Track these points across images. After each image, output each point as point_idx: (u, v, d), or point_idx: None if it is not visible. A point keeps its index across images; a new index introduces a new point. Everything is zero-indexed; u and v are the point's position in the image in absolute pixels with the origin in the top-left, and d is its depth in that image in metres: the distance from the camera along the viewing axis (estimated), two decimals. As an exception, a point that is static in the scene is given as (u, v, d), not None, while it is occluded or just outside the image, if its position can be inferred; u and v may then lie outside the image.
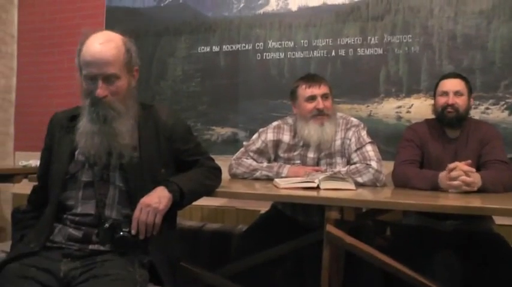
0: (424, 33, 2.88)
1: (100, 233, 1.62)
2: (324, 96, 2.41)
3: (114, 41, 1.67)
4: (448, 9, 2.85)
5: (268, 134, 2.53)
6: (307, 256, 2.38)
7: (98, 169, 1.68)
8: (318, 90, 2.40)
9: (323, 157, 2.45)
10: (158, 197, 1.64)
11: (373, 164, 2.31)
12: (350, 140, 2.42)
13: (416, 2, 2.91)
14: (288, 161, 2.47)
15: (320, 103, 2.39)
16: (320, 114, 2.39)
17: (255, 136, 2.56)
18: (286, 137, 2.50)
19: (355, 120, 2.49)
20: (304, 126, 2.42)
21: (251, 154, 2.52)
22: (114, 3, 3.59)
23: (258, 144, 2.52)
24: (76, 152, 1.71)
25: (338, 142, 2.43)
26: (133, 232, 1.60)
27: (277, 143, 2.50)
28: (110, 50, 1.64)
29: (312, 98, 2.40)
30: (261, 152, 2.52)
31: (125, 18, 3.53)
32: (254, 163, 2.47)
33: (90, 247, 1.62)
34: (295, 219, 2.45)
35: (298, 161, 2.46)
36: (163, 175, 1.74)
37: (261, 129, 2.58)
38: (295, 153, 2.47)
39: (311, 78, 2.46)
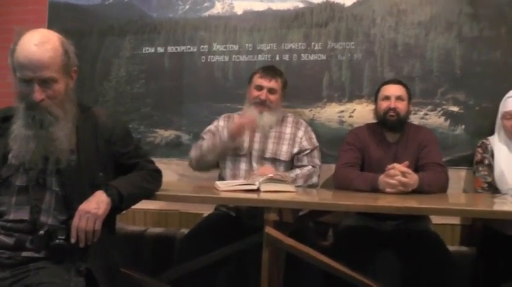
0: (367, 41, 2.96)
1: (34, 240, 1.56)
2: (271, 91, 2.56)
3: (51, 42, 1.59)
4: (389, 19, 2.94)
5: (219, 121, 2.67)
6: (250, 257, 2.39)
7: (34, 173, 1.61)
8: (267, 83, 2.56)
9: (269, 148, 2.56)
10: (97, 203, 1.59)
11: (318, 170, 2.55)
12: (301, 138, 2.59)
13: (359, 11, 2.98)
14: (235, 150, 2.54)
15: (264, 94, 2.55)
16: (261, 104, 2.55)
17: (208, 127, 2.68)
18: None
19: (304, 122, 2.69)
20: (247, 109, 2.61)
21: (204, 136, 2.62)
22: (57, -1, 3.45)
23: (211, 127, 2.66)
24: (9, 156, 1.63)
25: (288, 135, 2.59)
26: (72, 240, 1.55)
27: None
28: (46, 52, 1.55)
29: (260, 87, 2.57)
30: (213, 135, 2.58)
31: (69, 15, 3.40)
32: (202, 142, 2.57)
33: (23, 254, 1.56)
34: (240, 220, 2.45)
35: (244, 153, 2.55)
36: (102, 178, 1.69)
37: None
38: (243, 145, 2.55)
39: (267, 70, 2.62)
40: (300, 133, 2.60)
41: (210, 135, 2.58)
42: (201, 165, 2.56)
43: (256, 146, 2.56)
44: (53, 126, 1.60)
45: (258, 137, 2.57)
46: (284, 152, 2.55)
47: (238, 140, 2.46)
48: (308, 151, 2.57)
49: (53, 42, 1.59)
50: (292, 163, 2.58)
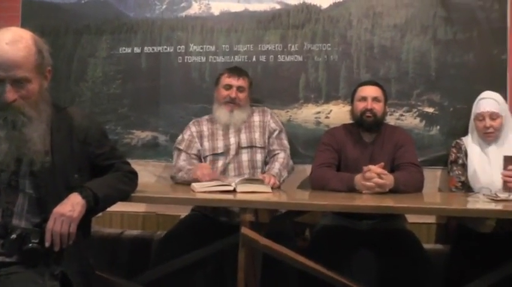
0: (343, 42, 2.98)
1: (6, 244, 1.53)
2: (240, 89, 2.66)
3: (24, 41, 1.55)
4: (365, 22, 2.98)
5: (191, 128, 2.72)
6: (227, 258, 2.39)
7: (6, 175, 1.58)
8: (236, 81, 2.66)
9: (243, 137, 2.64)
10: (72, 205, 1.57)
11: (288, 151, 2.66)
12: (269, 121, 2.71)
13: (336, 13, 3.00)
14: (213, 150, 2.62)
15: (233, 92, 2.64)
16: (231, 102, 2.64)
17: (180, 136, 2.72)
18: (204, 127, 2.71)
19: (269, 109, 2.81)
20: (217, 109, 2.69)
21: (182, 148, 2.65)
22: (31, -4, 3.38)
23: (186, 136, 2.69)
24: None
25: (257, 123, 2.70)
26: (47, 244, 1.52)
27: (200, 134, 2.69)
28: (18, 51, 1.52)
29: (229, 87, 2.65)
30: (189, 143, 2.66)
31: (44, 13, 3.33)
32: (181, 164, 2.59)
33: (-6, 259, 1.52)
34: (218, 221, 2.45)
35: (221, 151, 2.61)
36: (77, 180, 1.67)
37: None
38: (219, 144, 2.63)
39: (234, 70, 2.71)
40: (267, 118, 2.71)
41: (187, 148, 2.64)
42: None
43: (232, 140, 2.63)
44: (26, 127, 1.56)
45: (231, 133, 2.64)
46: (258, 139, 2.64)
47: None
48: (276, 133, 2.68)
49: (26, 41, 1.56)
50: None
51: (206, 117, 2.77)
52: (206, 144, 2.65)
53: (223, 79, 2.68)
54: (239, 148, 2.61)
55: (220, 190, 2.07)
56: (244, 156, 2.61)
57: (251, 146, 2.62)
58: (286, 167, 2.56)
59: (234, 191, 2.07)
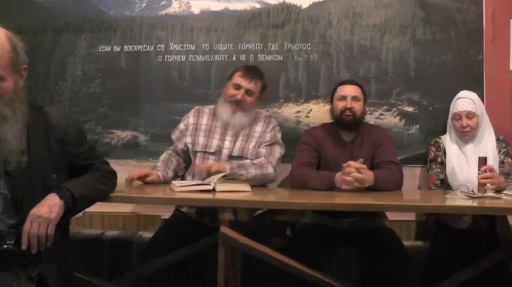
0: (323, 42, 3.00)
1: (-20, 246, 1.50)
2: (248, 92, 2.55)
3: None
4: (345, 21, 3.00)
5: (189, 119, 2.66)
6: (208, 258, 2.38)
7: (-20, 175, 1.55)
8: (246, 84, 2.55)
9: (237, 146, 2.55)
10: (49, 206, 1.55)
11: (274, 163, 2.49)
12: (267, 133, 2.58)
13: (316, 13, 3.02)
14: (205, 147, 2.55)
15: (240, 95, 2.53)
16: (236, 104, 2.54)
17: (179, 125, 2.69)
18: (204, 120, 2.64)
19: (274, 121, 2.70)
20: (221, 105, 2.60)
21: (173, 139, 2.65)
22: (8, -8, 3.32)
23: (181, 126, 2.66)
24: None
25: (257, 134, 2.58)
26: (24, 246, 1.50)
27: (196, 127, 2.62)
28: None
29: (238, 87, 2.55)
30: (181, 136, 2.63)
31: (21, 10, 3.27)
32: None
33: (-32, 261, 1.50)
34: (201, 222, 2.44)
35: (213, 151, 2.55)
36: (55, 180, 1.65)
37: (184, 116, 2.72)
38: (213, 143, 2.56)
39: (249, 71, 2.60)
40: (268, 129, 2.60)
41: (178, 140, 2.63)
42: None
43: (226, 144, 2.56)
44: (0, 126, 1.54)
45: (229, 135, 2.57)
46: (251, 150, 2.54)
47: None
48: (268, 143, 2.55)
49: (0, 38, 1.53)
50: None
51: (211, 107, 2.69)
52: (200, 139, 2.58)
53: (235, 77, 2.58)
54: (230, 155, 2.53)
55: (200, 189, 2.06)
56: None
57: (241, 156, 2.53)
58: (256, 166, 2.42)
59: (213, 190, 2.07)
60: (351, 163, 2.19)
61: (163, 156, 2.61)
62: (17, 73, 1.60)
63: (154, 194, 2.10)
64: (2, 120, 1.55)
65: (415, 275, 2.25)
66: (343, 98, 2.55)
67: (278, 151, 2.56)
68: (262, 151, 2.53)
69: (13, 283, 1.47)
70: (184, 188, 2.08)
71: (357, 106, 2.54)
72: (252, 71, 2.61)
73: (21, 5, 3.28)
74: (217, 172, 2.23)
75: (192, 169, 2.55)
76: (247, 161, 2.47)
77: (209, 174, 2.27)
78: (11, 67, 1.56)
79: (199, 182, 2.14)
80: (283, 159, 2.60)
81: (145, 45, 3.14)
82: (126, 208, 3.02)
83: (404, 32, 2.94)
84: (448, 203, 2.11)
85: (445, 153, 2.62)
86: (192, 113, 2.68)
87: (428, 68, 2.92)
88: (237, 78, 2.56)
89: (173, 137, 2.66)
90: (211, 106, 2.70)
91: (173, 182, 2.21)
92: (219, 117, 2.59)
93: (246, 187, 2.14)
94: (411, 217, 2.88)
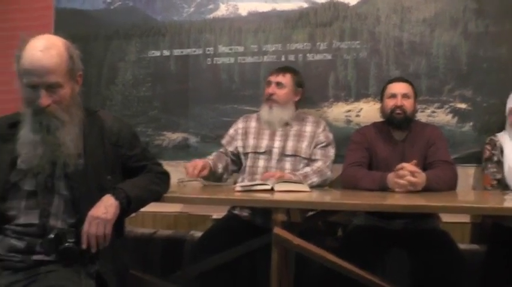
0: (372, 39, 2.95)
1: (44, 243, 1.57)
2: (278, 84, 2.62)
3: (56, 47, 1.60)
4: (394, 17, 2.94)
5: (238, 124, 2.75)
6: (260, 259, 2.39)
7: (42, 177, 1.62)
8: (275, 78, 2.64)
9: (290, 145, 2.58)
10: (105, 207, 1.60)
11: (330, 165, 2.56)
12: (320, 134, 2.61)
13: (364, 10, 2.98)
14: (255, 148, 2.61)
15: (271, 88, 2.62)
16: (269, 99, 2.62)
17: (228, 131, 2.78)
18: (253, 124, 2.71)
19: (324, 121, 2.74)
20: (262, 108, 2.68)
21: (223, 143, 2.74)
22: (62, 5, 3.46)
23: (230, 132, 2.75)
24: (18, 161, 1.63)
25: (308, 134, 2.61)
26: (83, 246, 1.56)
27: (246, 130, 2.69)
28: (51, 57, 1.56)
29: (269, 83, 2.65)
30: (231, 140, 2.72)
31: (74, 20, 3.42)
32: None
33: (34, 257, 1.56)
34: (253, 222, 2.45)
35: (263, 152, 2.59)
36: (110, 181, 1.70)
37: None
38: (263, 144, 2.61)
39: (279, 68, 2.71)
40: (319, 130, 2.62)
41: (227, 144, 2.71)
42: None
43: (276, 144, 2.59)
44: (59, 130, 1.61)
45: (278, 135, 2.61)
46: (304, 149, 2.57)
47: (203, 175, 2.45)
48: (323, 145, 2.59)
49: (58, 48, 1.60)
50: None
51: (257, 111, 2.76)
52: (251, 141, 2.65)
53: (267, 77, 2.70)
54: (283, 154, 2.57)
55: (259, 189, 2.09)
56: (287, 164, 2.56)
57: (295, 155, 2.56)
58: (317, 174, 2.47)
59: (272, 190, 2.09)
60: (405, 165, 2.13)
61: (214, 153, 2.68)
62: (73, 80, 1.66)
63: (207, 195, 2.13)
64: (61, 125, 1.61)
65: (472, 280, 2.17)
66: (393, 96, 2.50)
67: (332, 152, 2.60)
68: (318, 152, 2.57)
69: (74, 279, 1.53)
70: (244, 189, 2.12)
71: (408, 104, 2.48)
72: (281, 67, 2.71)
73: (74, 16, 3.43)
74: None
75: (242, 173, 2.62)
76: (309, 169, 2.49)
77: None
78: (69, 75, 1.63)
79: (259, 182, 2.17)
80: (333, 159, 2.59)
81: (193, 49, 3.19)
82: (177, 208, 3.08)
83: (455, 25, 2.85)
84: (507, 204, 2.01)
85: (502, 151, 2.52)
86: (241, 119, 2.77)
87: (481, 63, 2.81)
88: (268, 77, 2.68)
89: (223, 142, 2.73)
90: (257, 113, 2.77)
91: (237, 183, 2.26)
92: (262, 118, 2.65)
93: (305, 187, 2.16)
94: (465, 218, 2.78)
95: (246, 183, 2.20)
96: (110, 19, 3.39)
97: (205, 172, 2.41)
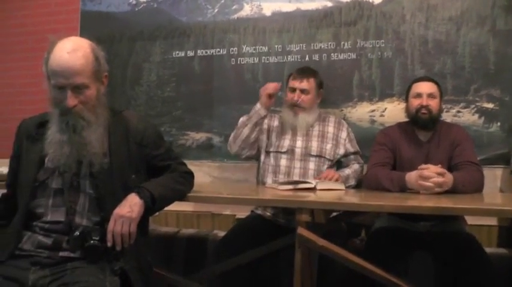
0: (396, 38, 2.92)
1: (70, 241, 1.60)
2: (303, 91, 2.59)
3: (82, 49, 1.63)
4: (419, 15, 2.90)
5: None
6: (284, 259, 2.39)
7: (68, 176, 1.66)
8: (299, 84, 2.60)
9: (315, 145, 2.60)
10: (130, 206, 1.62)
11: (362, 167, 2.63)
12: (345, 140, 2.64)
13: (388, 8, 2.95)
14: (277, 147, 2.62)
15: (296, 96, 2.59)
16: (295, 106, 2.59)
17: None
18: (275, 123, 2.71)
19: (345, 123, 2.74)
20: (284, 111, 2.67)
21: None
22: (88, 8, 3.54)
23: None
24: (46, 160, 1.68)
25: (330, 135, 2.62)
26: (108, 244, 1.58)
27: (269, 128, 2.70)
28: (78, 59, 1.60)
29: (293, 89, 2.61)
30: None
31: (100, 22, 3.49)
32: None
33: (60, 254, 1.60)
34: (276, 222, 2.46)
35: (285, 150, 2.60)
36: (135, 180, 1.72)
37: None
38: (285, 143, 2.61)
39: (300, 71, 2.66)
40: (343, 134, 2.65)
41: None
42: (238, 142, 2.61)
43: (298, 143, 2.60)
44: (85, 130, 1.64)
45: (300, 135, 2.61)
46: (328, 151, 2.59)
47: (269, 108, 2.59)
48: (353, 152, 2.65)
49: (84, 50, 1.64)
50: (335, 163, 2.64)
51: (279, 114, 2.75)
52: (273, 139, 2.66)
53: (289, 81, 2.66)
54: (307, 154, 2.58)
55: (301, 187, 2.15)
56: (312, 164, 2.57)
57: (320, 156, 2.58)
58: (355, 177, 2.57)
59: (314, 188, 2.15)
60: (430, 166, 2.10)
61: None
62: (99, 81, 1.70)
63: (230, 195, 2.13)
64: (87, 125, 1.64)
65: (499, 285, 2.12)
66: (419, 95, 2.46)
67: (361, 156, 2.69)
68: (352, 157, 2.65)
69: (99, 275, 1.55)
70: (286, 187, 2.16)
71: (433, 104, 2.43)
72: (303, 70, 2.66)
73: (100, 18, 3.50)
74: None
75: (265, 170, 2.62)
76: (349, 172, 2.57)
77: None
78: (94, 76, 1.66)
79: (302, 180, 2.24)
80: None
81: (218, 49, 3.22)
82: (200, 207, 3.10)
83: (482, 23, 2.79)
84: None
85: (530, 152, 2.46)
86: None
87: (509, 61, 2.74)
88: (291, 82, 2.63)
89: None
90: (280, 114, 2.76)
91: (279, 183, 2.29)
92: (285, 122, 2.64)
93: (342, 186, 2.32)
94: (492, 221, 2.71)
95: (288, 180, 2.25)
96: (135, 21, 3.44)
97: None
